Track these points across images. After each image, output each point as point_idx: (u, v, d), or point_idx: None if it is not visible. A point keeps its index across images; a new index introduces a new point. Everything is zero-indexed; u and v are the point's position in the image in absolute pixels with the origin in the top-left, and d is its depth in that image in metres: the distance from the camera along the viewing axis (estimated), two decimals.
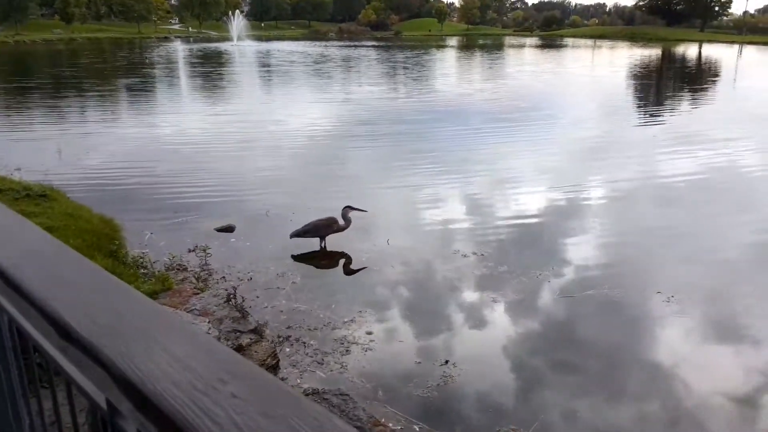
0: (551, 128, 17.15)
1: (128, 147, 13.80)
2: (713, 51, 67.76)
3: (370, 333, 5.46)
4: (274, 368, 4.78)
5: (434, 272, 7.01)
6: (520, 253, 7.62)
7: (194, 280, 6.52)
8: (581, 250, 7.88)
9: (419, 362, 5.03)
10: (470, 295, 6.38)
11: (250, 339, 4.92)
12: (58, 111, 19.65)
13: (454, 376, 4.80)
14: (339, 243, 7.79)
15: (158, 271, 6.56)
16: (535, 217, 9.21)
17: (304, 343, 5.26)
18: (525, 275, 6.84)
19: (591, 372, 5.09)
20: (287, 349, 5.16)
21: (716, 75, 39.15)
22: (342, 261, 7.43)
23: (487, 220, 9.02)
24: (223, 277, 6.73)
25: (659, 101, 25.46)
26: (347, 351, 5.15)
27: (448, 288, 6.56)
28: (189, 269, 6.92)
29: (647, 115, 20.73)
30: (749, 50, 70.35)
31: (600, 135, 16.17)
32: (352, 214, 7.78)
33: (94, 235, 6.82)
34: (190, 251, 7.45)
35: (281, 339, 5.27)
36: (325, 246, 7.69)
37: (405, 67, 40.26)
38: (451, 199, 10.06)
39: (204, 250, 7.19)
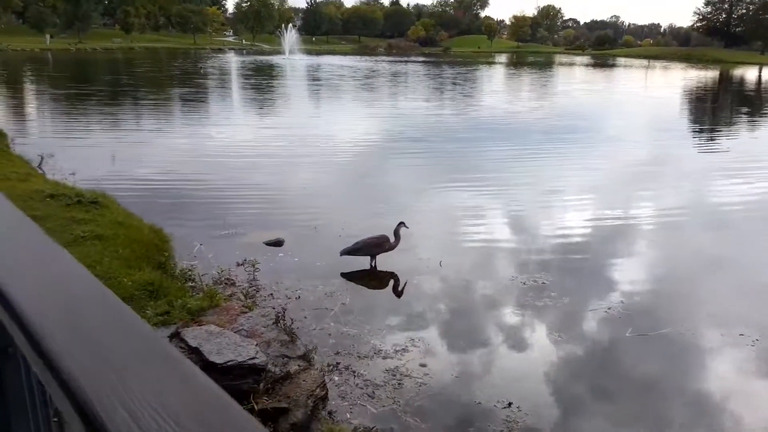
0: (606, 149, 16.54)
1: (180, 157, 13.85)
2: None
3: (424, 365, 5.10)
4: (323, 399, 4.47)
5: (491, 301, 6.60)
6: (581, 283, 7.16)
7: (242, 297, 6.30)
8: (646, 280, 7.37)
9: (479, 403, 4.64)
10: (531, 330, 5.95)
11: (299, 366, 4.63)
12: (113, 118, 20.04)
13: (519, 421, 4.39)
14: (389, 262, 7.48)
15: (206, 285, 6.37)
16: (592, 243, 8.71)
17: (354, 372, 4.94)
18: (588, 308, 6.38)
19: (655, 414, 4.62)
20: (336, 378, 4.86)
21: None
22: (393, 282, 7.11)
23: (542, 245, 8.57)
24: (271, 294, 6.50)
25: (716, 124, 24.42)
26: (400, 384, 4.81)
27: (507, 320, 6.14)
28: (237, 284, 6.71)
29: (706, 139, 19.85)
30: None
31: (655, 159, 15.46)
32: (402, 231, 7.47)
33: (143, 245, 6.69)
34: (238, 265, 7.27)
35: (330, 367, 4.97)
36: (375, 265, 7.39)
37: (454, 83, 39.93)
38: (503, 222, 9.64)
39: (253, 265, 7.02)
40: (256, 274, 6.90)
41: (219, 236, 8.39)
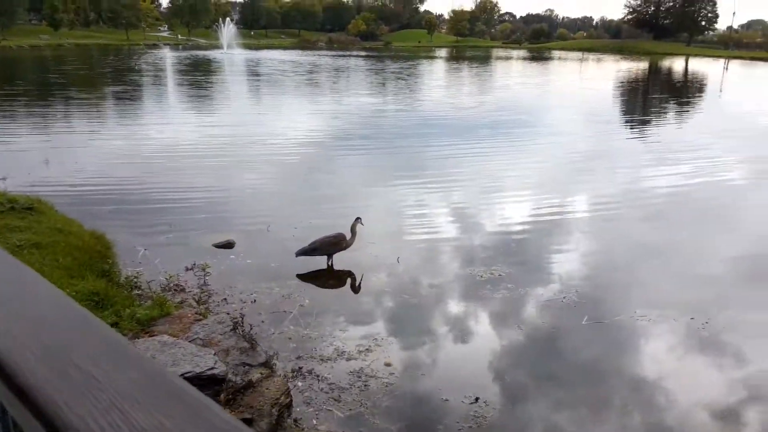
0: (546, 142, 16.88)
1: (118, 158, 13.23)
2: (700, 65, 68.39)
3: (389, 365, 5.00)
4: (288, 407, 4.30)
5: (451, 295, 6.55)
6: (533, 274, 7.21)
7: (194, 303, 6.03)
8: (594, 269, 7.51)
9: (446, 399, 4.57)
10: (492, 322, 5.94)
11: (261, 374, 4.45)
12: (44, 120, 19.01)
13: (487, 416, 4.35)
14: (346, 261, 7.34)
15: (154, 293, 6.06)
16: (539, 234, 8.83)
17: (318, 376, 4.79)
18: (546, 298, 6.43)
19: (589, 400, 4.68)
20: (299, 384, 4.70)
21: (703, 89, 39.30)
22: (351, 281, 6.97)
23: (494, 238, 8.61)
24: (225, 299, 6.25)
25: (647, 114, 25.36)
26: (366, 386, 4.69)
27: (468, 314, 6.12)
28: (187, 290, 6.43)
29: (635, 128, 20.56)
30: (734, 65, 71.14)
31: (593, 150, 15.90)
32: (358, 228, 7.34)
33: (85, 252, 6.32)
34: (187, 269, 6.97)
35: (293, 373, 4.80)
36: (332, 264, 7.23)
37: (399, 78, 39.97)
38: (455, 216, 9.61)
39: (203, 269, 6.72)
40: (207, 278, 6.62)
41: (164, 240, 8.04)
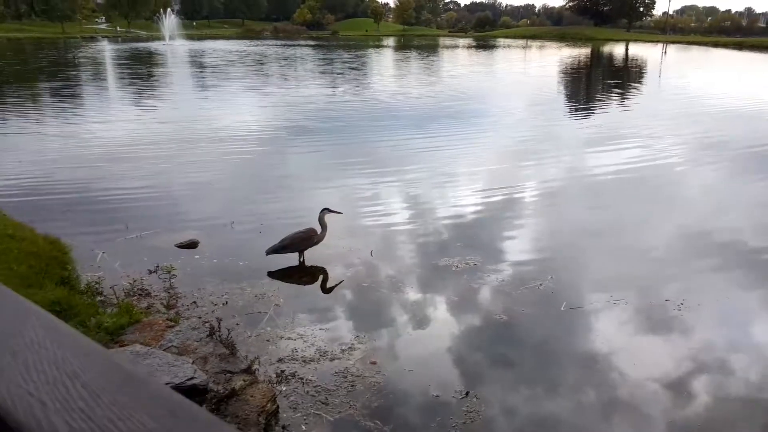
0: (492, 127, 17.05)
1: (63, 157, 12.57)
2: (640, 50, 70.51)
3: (374, 363, 4.85)
4: (275, 414, 4.11)
5: (429, 287, 6.44)
6: (508, 262, 7.19)
7: (162, 308, 5.74)
8: (567, 253, 7.56)
9: (437, 395, 4.46)
10: (474, 313, 5.86)
11: (244, 381, 4.23)
12: None
13: (480, 411, 4.26)
14: (317, 257, 7.14)
15: (119, 299, 5.73)
16: (503, 220, 8.86)
17: (302, 379, 4.61)
18: (522, 285, 6.40)
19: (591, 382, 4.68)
20: (284, 388, 4.50)
21: (643, 73, 40.49)
22: (326, 277, 6.77)
23: (464, 227, 8.57)
24: (194, 302, 5.96)
25: (591, 99, 25.95)
26: (353, 386, 4.53)
27: (449, 305, 6.02)
28: (153, 294, 6.11)
29: (580, 113, 20.99)
30: (672, 49, 73.66)
31: (542, 136, 16.13)
32: (328, 218, 7.14)
33: (40, 259, 5.90)
34: (151, 272, 6.64)
35: (277, 377, 4.59)
36: (303, 260, 7.02)
37: (351, 68, 39.63)
38: (423, 207, 9.52)
39: (168, 271, 6.42)
40: (172, 281, 6.31)
41: (123, 242, 7.66)
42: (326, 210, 7.15)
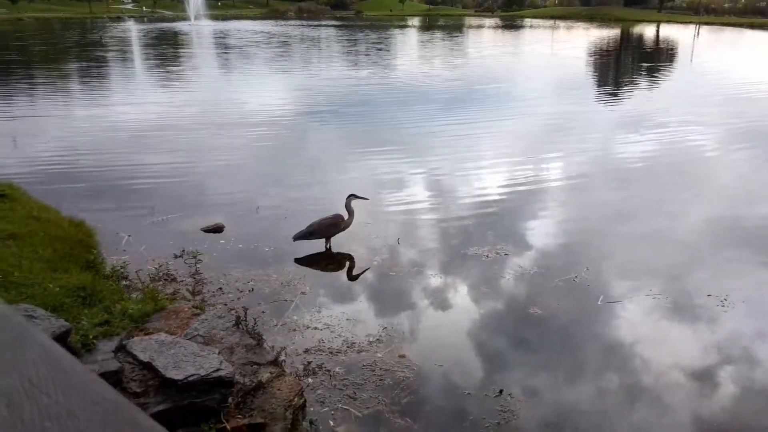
0: (520, 112, 16.67)
1: (89, 138, 12.57)
2: (671, 31, 68.57)
3: (403, 356, 4.70)
4: (302, 408, 3.99)
5: (458, 277, 6.26)
6: (540, 253, 6.95)
7: (188, 294, 5.65)
8: (601, 244, 7.30)
9: (468, 393, 4.30)
10: (508, 307, 5.66)
11: (270, 373, 4.11)
12: (6, 99, 18.04)
13: (515, 410, 4.09)
14: (342, 243, 7.00)
15: (144, 284, 5.65)
16: (533, 208, 8.59)
17: (329, 372, 4.47)
18: (556, 277, 6.19)
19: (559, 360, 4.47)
20: (311, 381, 4.38)
21: (674, 56, 39.35)
22: (352, 265, 6.62)
23: (494, 215, 8.33)
24: (220, 288, 5.87)
25: (621, 83, 25.26)
26: (381, 380, 4.39)
27: (479, 297, 5.82)
28: (179, 279, 6.03)
29: (610, 97, 20.42)
30: (704, 30, 71.57)
31: (564, 119, 15.71)
32: (354, 204, 6.98)
33: (66, 242, 5.85)
34: (176, 257, 6.57)
35: (304, 369, 4.47)
36: (330, 247, 6.88)
37: (377, 49, 39.20)
38: (452, 193, 9.29)
39: (194, 256, 6.32)
40: (198, 266, 6.22)
41: (148, 225, 7.60)
42: (352, 196, 6.99)
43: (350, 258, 6.74)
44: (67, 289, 4.82)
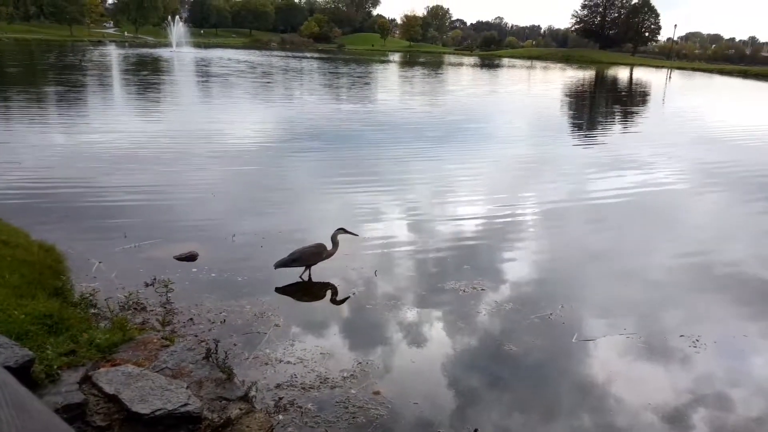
0: (497, 147, 16.93)
1: (63, 160, 12.39)
2: (644, 74, 70.76)
3: (377, 393, 4.62)
4: None
5: (435, 312, 6.21)
6: (518, 289, 6.96)
7: (158, 325, 5.50)
8: (575, 281, 7.35)
9: None
10: (484, 344, 5.62)
11: (240, 409, 4.00)
12: None
13: None
14: (322, 274, 6.94)
15: (113, 312, 5.51)
16: (510, 245, 8.65)
17: (301, 408, 4.37)
18: (532, 314, 6.18)
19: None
20: (281, 417, 4.26)
21: (647, 98, 40.44)
22: (327, 297, 6.55)
23: (470, 250, 8.35)
24: (191, 318, 5.74)
25: (595, 122, 25.84)
26: (354, 418, 4.29)
27: (456, 333, 5.78)
28: (149, 309, 5.89)
29: (584, 136, 20.85)
30: (676, 75, 73.96)
31: (539, 156, 15.99)
32: (341, 237, 6.99)
33: (34, 268, 5.69)
34: (147, 285, 6.43)
35: (275, 406, 4.36)
36: (310, 277, 6.82)
37: (358, 82, 39.61)
38: (431, 227, 9.31)
39: (165, 285, 6.17)
40: (169, 295, 6.08)
41: (120, 252, 7.44)
42: (341, 230, 7.02)
43: (326, 289, 6.67)
44: (32, 316, 4.67)
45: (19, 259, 5.75)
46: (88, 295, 5.77)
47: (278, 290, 6.52)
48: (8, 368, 3.61)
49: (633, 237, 9.25)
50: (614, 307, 6.62)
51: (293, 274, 6.83)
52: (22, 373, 3.72)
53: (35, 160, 12.14)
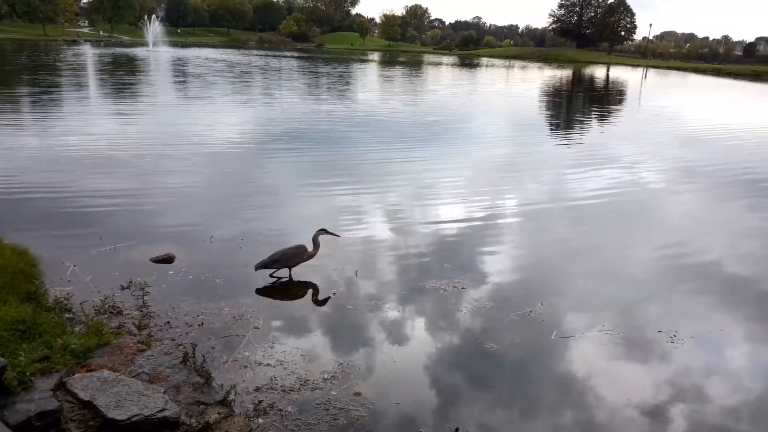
0: (476, 146, 17.04)
1: (36, 162, 12.13)
2: (621, 73, 71.63)
3: (358, 394, 4.59)
4: None
5: (417, 311, 6.20)
6: (497, 287, 6.98)
7: (134, 329, 5.41)
8: (553, 279, 7.40)
9: (424, 431, 4.22)
10: (465, 342, 5.62)
11: (219, 414, 3.94)
12: None
13: None
14: (302, 274, 6.91)
15: (88, 316, 5.41)
16: (492, 243, 8.68)
17: (281, 411, 4.32)
18: (511, 312, 6.20)
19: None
20: (260, 421, 4.21)
21: (624, 96, 40.95)
22: (308, 298, 6.50)
23: (450, 248, 8.36)
24: (168, 322, 5.65)
25: (573, 120, 26.12)
26: (335, 420, 4.26)
27: (437, 332, 5.77)
28: (125, 312, 5.79)
29: (562, 134, 21.06)
30: (651, 73, 75.01)
31: (517, 154, 16.10)
32: (322, 238, 6.96)
33: (6, 272, 5.55)
34: (123, 288, 6.33)
35: (254, 409, 4.31)
36: (290, 277, 6.78)
37: (337, 81, 39.50)
38: (410, 227, 9.29)
39: (141, 288, 6.07)
40: (146, 298, 5.99)
41: (95, 254, 7.31)
42: (323, 231, 6.99)
43: (306, 290, 6.63)
44: (4, 321, 4.56)
45: None
46: (62, 299, 5.66)
47: (257, 292, 6.46)
48: None
49: (611, 235, 9.34)
50: (593, 303, 6.67)
51: (273, 277, 6.77)
52: None
53: (7, 162, 11.89)
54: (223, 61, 54.98)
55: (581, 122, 25.48)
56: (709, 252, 8.64)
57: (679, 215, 10.73)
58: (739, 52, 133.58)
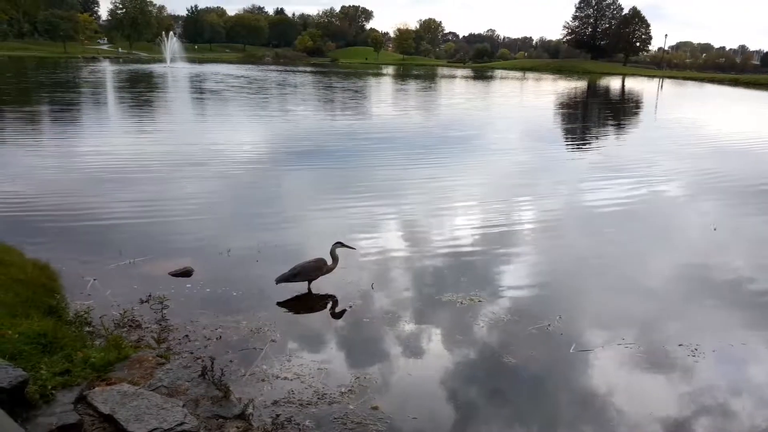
0: (492, 158, 16.98)
1: (57, 177, 12.34)
2: (636, 84, 71.29)
3: (375, 408, 4.57)
4: None
5: (433, 325, 6.18)
6: (514, 300, 6.93)
7: (153, 342, 5.45)
8: (570, 292, 7.33)
9: None
10: (482, 356, 5.58)
11: (237, 428, 3.95)
12: None
13: None
14: (319, 287, 6.93)
15: (108, 330, 5.46)
16: (507, 255, 8.64)
17: (299, 425, 4.32)
18: (530, 325, 6.16)
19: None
20: None
21: (640, 107, 40.72)
22: (324, 311, 6.52)
23: (466, 261, 8.33)
24: (186, 335, 5.69)
25: (589, 132, 25.97)
26: None
27: (454, 346, 5.74)
28: (144, 326, 5.84)
29: (579, 146, 20.95)
30: (668, 84, 74.57)
31: (534, 166, 16.03)
32: (339, 251, 7.00)
33: (28, 287, 5.65)
34: (142, 302, 6.38)
35: (272, 423, 4.31)
36: (310, 290, 6.82)
37: (352, 96, 39.74)
38: (426, 239, 9.28)
39: (160, 302, 6.14)
40: (164, 312, 6.04)
41: (115, 268, 7.39)
42: (339, 244, 7.03)
43: (323, 303, 6.64)
44: (26, 335, 4.62)
45: (13, 278, 5.71)
46: (82, 313, 5.73)
47: (274, 306, 6.49)
48: (1, 389, 3.56)
49: (630, 247, 9.24)
50: (612, 317, 6.60)
51: (290, 289, 6.80)
52: (16, 393, 3.67)
53: (29, 177, 12.10)
54: (241, 76, 55.61)
55: (598, 133, 25.32)
56: (731, 265, 8.52)
57: (700, 226, 10.60)
58: (756, 62, 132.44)
